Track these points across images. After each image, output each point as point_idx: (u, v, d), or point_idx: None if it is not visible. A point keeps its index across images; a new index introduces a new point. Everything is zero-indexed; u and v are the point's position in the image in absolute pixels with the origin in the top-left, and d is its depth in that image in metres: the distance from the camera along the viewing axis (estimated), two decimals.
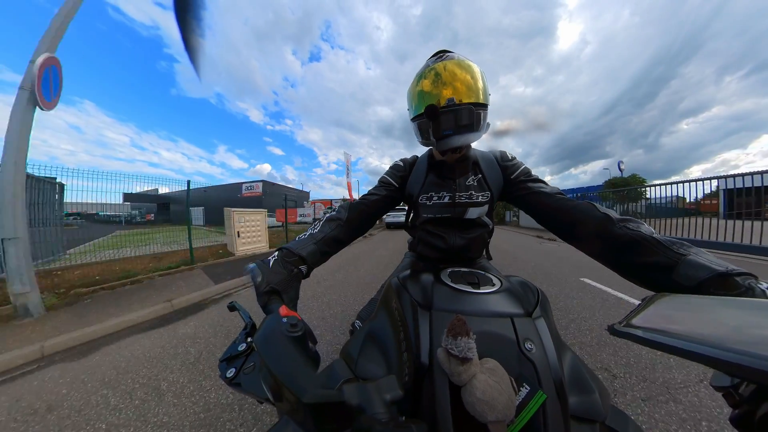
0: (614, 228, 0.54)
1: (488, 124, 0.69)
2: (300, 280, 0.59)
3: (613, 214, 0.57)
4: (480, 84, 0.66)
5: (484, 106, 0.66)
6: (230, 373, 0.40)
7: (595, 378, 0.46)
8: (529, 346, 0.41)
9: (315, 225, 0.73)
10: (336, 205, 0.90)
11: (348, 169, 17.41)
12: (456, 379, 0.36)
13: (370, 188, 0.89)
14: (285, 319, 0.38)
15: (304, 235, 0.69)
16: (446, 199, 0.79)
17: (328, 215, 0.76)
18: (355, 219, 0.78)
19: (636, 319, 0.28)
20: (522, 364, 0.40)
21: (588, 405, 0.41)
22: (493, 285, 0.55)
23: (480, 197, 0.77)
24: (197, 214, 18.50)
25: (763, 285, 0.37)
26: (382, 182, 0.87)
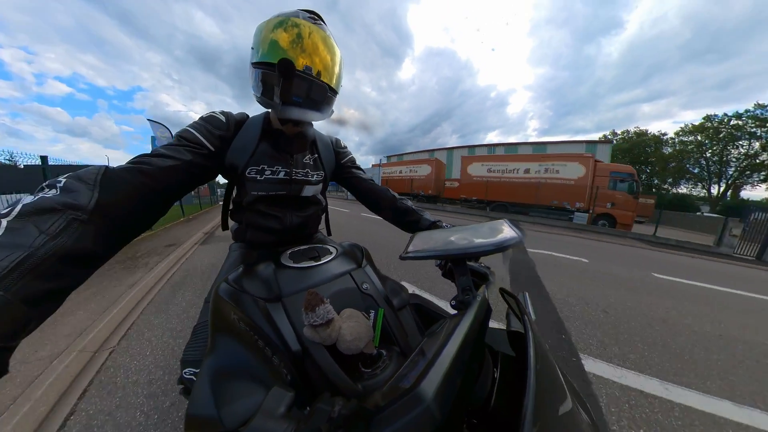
0: (397, 203, 0.90)
1: (332, 111, 0.70)
2: None
3: (396, 195, 0.92)
4: (337, 70, 0.63)
5: (335, 92, 0.66)
6: None
7: (398, 284, 0.72)
8: (366, 286, 0.56)
9: None
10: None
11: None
12: (329, 341, 0.41)
13: (160, 146, 0.55)
14: None
15: None
16: (281, 175, 0.71)
17: (25, 201, 0.34)
18: (121, 204, 0.42)
19: (409, 247, 0.51)
20: (365, 300, 0.54)
21: (399, 300, 0.64)
22: (331, 253, 0.64)
23: (315, 176, 0.78)
24: None
25: (444, 224, 0.80)
26: (187, 140, 0.57)
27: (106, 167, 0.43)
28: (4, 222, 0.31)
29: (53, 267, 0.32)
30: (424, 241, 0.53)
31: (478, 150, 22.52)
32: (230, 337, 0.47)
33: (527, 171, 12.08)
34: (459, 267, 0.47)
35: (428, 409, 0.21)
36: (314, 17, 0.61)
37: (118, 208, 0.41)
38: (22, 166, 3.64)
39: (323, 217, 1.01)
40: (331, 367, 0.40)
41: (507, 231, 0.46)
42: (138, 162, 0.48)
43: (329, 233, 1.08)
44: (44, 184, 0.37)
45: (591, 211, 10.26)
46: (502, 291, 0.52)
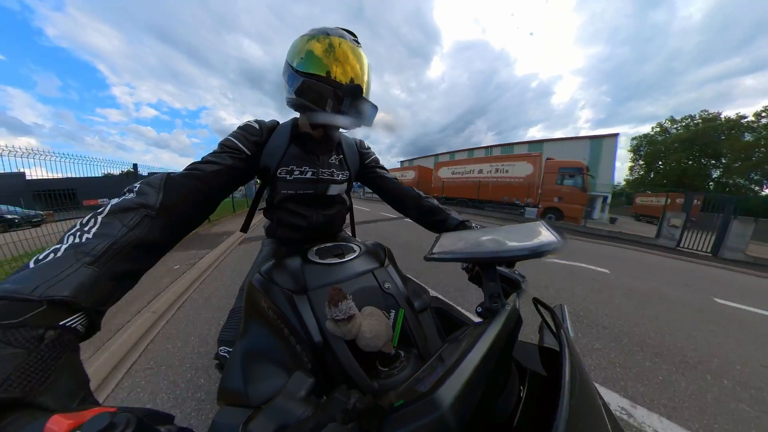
0: (422, 202, 0.88)
1: (367, 117, 0.72)
2: (76, 349, 0.30)
3: (422, 193, 0.91)
4: (367, 79, 0.67)
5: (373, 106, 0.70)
6: None
7: (421, 286, 0.71)
8: (387, 285, 0.57)
9: (83, 225, 0.39)
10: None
11: None
12: (349, 336, 0.42)
13: (207, 154, 0.61)
14: None
15: (56, 252, 0.34)
16: (309, 175, 0.75)
17: (113, 202, 0.44)
18: (180, 204, 0.49)
19: (435, 248, 0.49)
20: (386, 299, 0.54)
21: (422, 302, 0.64)
22: (355, 251, 0.65)
23: (340, 176, 0.82)
24: None
25: (473, 224, 0.77)
26: (228, 147, 0.64)
27: (168, 174, 0.52)
28: (100, 218, 0.41)
29: (131, 252, 0.40)
30: (451, 241, 0.51)
31: (477, 152, 24.79)
32: (260, 323, 0.51)
33: (480, 171, 14.09)
34: (488, 272, 0.43)
35: (444, 417, 0.20)
36: (342, 33, 0.66)
37: (177, 207, 0.49)
38: (147, 174, 5.33)
39: (348, 217, 1.02)
40: (349, 361, 0.41)
41: (545, 234, 0.41)
42: (192, 168, 0.57)
43: (354, 235, 1.09)
44: (125, 189, 0.47)
45: (539, 206, 10.84)
46: (536, 301, 0.47)
